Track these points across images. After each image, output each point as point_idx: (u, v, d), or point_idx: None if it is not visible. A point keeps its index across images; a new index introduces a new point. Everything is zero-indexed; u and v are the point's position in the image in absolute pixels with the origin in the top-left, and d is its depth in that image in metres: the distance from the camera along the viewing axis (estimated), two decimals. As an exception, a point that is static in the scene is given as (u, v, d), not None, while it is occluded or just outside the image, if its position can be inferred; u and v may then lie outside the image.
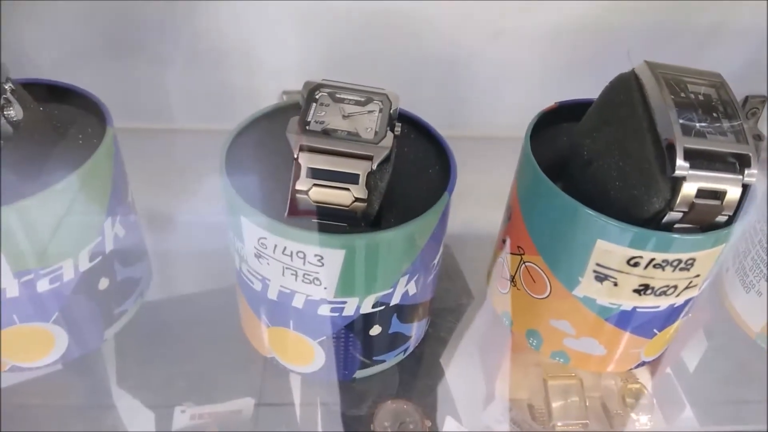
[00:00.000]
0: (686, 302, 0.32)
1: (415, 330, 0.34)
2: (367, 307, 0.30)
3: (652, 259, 0.29)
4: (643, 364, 0.36)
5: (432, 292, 0.34)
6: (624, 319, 0.32)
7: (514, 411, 0.49)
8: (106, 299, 0.35)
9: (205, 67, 0.49)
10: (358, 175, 0.27)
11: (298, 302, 0.29)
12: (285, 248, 0.28)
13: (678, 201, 0.27)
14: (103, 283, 0.34)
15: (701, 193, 0.28)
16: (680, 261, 0.29)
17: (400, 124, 0.30)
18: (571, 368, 0.37)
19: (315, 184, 0.27)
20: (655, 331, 0.33)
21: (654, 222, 0.28)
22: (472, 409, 0.48)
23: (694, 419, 0.49)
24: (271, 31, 0.48)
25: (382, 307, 0.30)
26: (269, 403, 0.47)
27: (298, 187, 0.27)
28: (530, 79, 0.53)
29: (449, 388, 0.49)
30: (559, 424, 0.47)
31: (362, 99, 0.30)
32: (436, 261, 0.32)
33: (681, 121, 0.28)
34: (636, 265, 0.29)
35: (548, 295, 0.33)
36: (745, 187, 0.28)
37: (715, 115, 0.29)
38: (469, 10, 0.47)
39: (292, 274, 0.29)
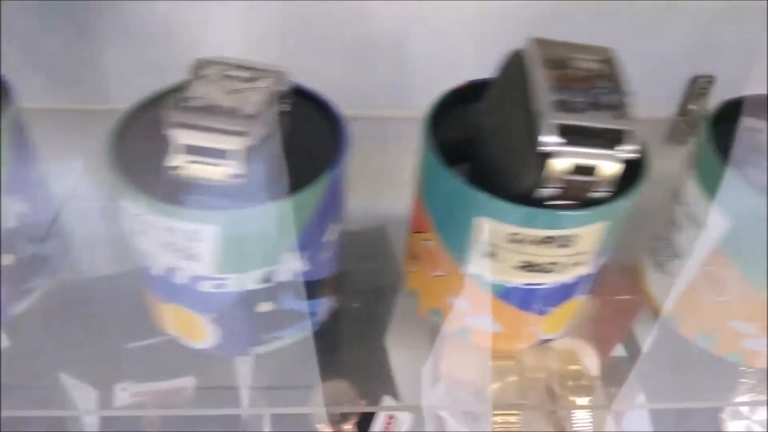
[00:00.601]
0: (578, 279, 0.32)
1: (315, 307, 0.34)
2: (251, 284, 0.30)
3: (533, 236, 0.29)
4: (546, 341, 0.36)
5: (332, 270, 0.34)
6: (514, 297, 0.32)
7: (456, 390, 0.50)
8: (11, 276, 0.35)
9: (141, 46, 0.49)
10: (229, 151, 0.27)
11: (181, 278, 0.30)
12: (162, 225, 0.28)
13: (547, 177, 0.28)
14: (7, 259, 0.35)
15: (577, 169, 0.28)
16: (562, 237, 0.29)
17: (289, 101, 0.30)
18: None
19: (190, 161, 0.28)
20: (547, 308, 0.33)
21: (534, 199, 0.29)
22: (409, 387, 0.49)
23: (642, 398, 0.50)
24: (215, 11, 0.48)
25: (269, 284, 0.31)
26: (210, 385, 0.48)
27: (170, 163, 0.27)
28: (466, 59, 0.52)
29: (384, 367, 0.50)
30: (496, 404, 0.48)
31: (251, 76, 0.30)
32: (328, 238, 0.32)
33: (555, 97, 0.28)
34: (518, 241, 0.30)
35: (445, 273, 0.34)
36: (634, 164, 0.28)
37: (597, 91, 0.29)
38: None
39: (172, 251, 0.29)
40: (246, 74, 0.30)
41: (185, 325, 0.33)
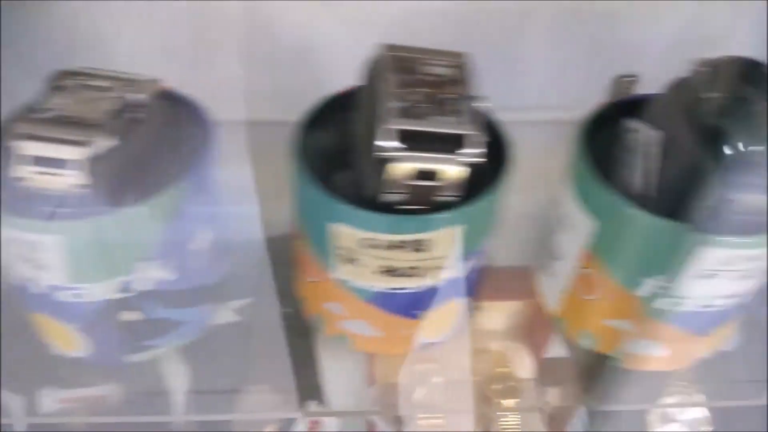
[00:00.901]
0: (448, 283, 0.32)
1: (191, 316, 0.35)
2: (109, 293, 0.30)
3: (385, 241, 0.29)
4: (430, 345, 0.36)
5: (206, 278, 0.34)
6: (383, 301, 0.32)
7: (388, 394, 0.50)
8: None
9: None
10: (70, 160, 0.27)
11: (37, 288, 0.30)
12: (8, 236, 0.28)
13: (389, 182, 0.28)
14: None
15: (420, 174, 0.28)
16: (414, 242, 0.29)
17: (147, 109, 0.30)
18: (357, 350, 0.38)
19: (34, 171, 0.28)
20: (419, 312, 0.33)
21: (383, 204, 0.29)
22: (338, 393, 0.49)
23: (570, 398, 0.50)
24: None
25: (129, 293, 0.31)
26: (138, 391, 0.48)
27: (14, 174, 0.28)
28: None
29: (310, 373, 0.50)
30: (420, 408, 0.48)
31: (110, 86, 0.30)
32: (197, 247, 0.32)
33: (397, 103, 0.28)
34: (372, 247, 0.30)
35: (318, 279, 0.34)
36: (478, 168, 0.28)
37: (444, 96, 0.29)
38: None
39: (22, 262, 0.29)
40: (106, 84, 0.30)
41: (55, 334, 0.33)
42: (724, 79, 0.29)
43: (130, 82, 0.31)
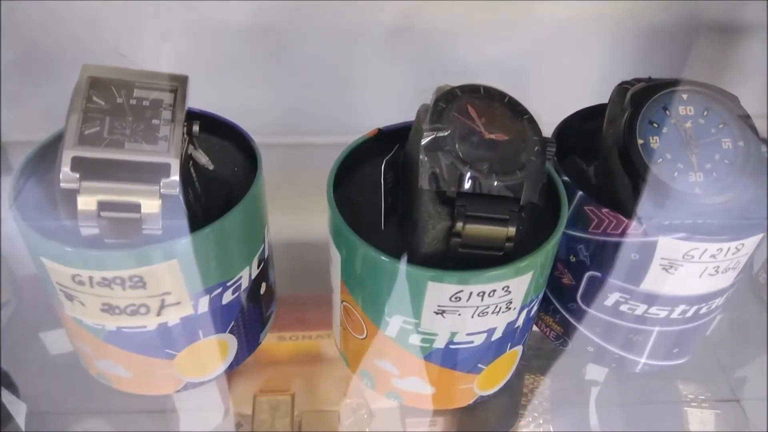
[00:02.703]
0: (190, 320, 0.30)
1: None
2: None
3: (96, 277, 0.27)
4: (196, 384, 0.34)
5: None
6: (124, 341, 0.29)
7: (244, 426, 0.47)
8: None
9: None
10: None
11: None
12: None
13: (81, 214, 0.25)
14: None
15: (114, 206, 0.26)
16: (130, 278, 0.27)
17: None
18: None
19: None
20: (173, 351, 0.31)
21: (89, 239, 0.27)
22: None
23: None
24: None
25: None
26: None
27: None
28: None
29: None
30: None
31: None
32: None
33: (88, 128, 0.26)
34: (83, 283, 0.28)
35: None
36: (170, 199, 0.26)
37: (150, 122, 0.27)
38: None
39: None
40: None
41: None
42: (441, 112, 0.27)
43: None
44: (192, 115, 0.29)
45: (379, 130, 0.34)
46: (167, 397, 0.38)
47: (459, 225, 0.26)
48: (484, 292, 0.27)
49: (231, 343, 0.33)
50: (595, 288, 0.32)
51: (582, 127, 0.34)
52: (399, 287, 0.27)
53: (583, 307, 0.33)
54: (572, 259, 0.32)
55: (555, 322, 0.35)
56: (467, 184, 0.26)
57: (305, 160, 0.53)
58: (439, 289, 0.26)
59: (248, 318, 0.33)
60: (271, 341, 0.43)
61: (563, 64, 0.50)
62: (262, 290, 0.34)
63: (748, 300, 0.45)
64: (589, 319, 0.33)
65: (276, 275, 0.38)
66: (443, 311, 0.27)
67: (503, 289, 0.27)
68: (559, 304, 0.35)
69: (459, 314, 0.27)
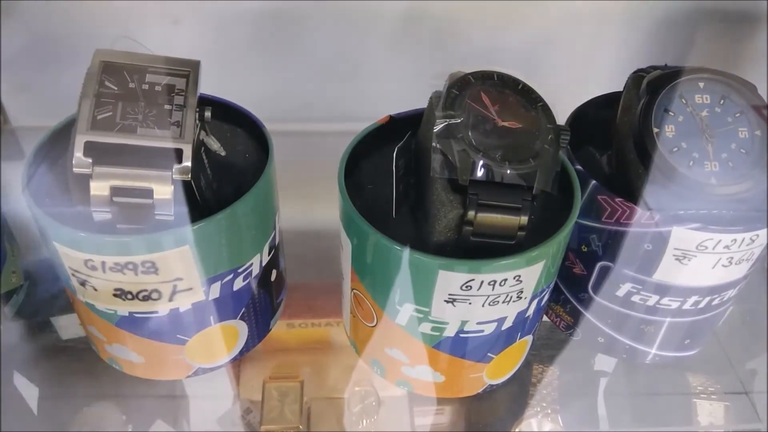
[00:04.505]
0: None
1: None
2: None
3: (109, 263, 0.27)
4: (204, 370, 0.34)
5: None
6: (137, 326, 0.29)
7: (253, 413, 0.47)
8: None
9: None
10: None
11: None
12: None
13: (93, 199, 0.25)
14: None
15: (127, 191, 0.26)
16: (143, 264, 0.27)
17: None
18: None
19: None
20: (185, 337, 0.31)
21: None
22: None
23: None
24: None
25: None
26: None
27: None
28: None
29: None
30: (264, 427, 0.45)
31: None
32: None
33: (101, 113, 0.26)
34: (95, 268, 0.28)
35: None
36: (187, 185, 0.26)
37: (162, 107, 0.27)
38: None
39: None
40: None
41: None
42: (454, 99, 0.27)
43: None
44: (204, 101, 0.29)
45: (391, 117, 0.33)
46: (177, 382, 0.38)
47: (471, 213, 0.26)
48: (495, 281, 0.27)
49: (242, 329, 0.33)
50: (606, 278, 0.32)
51: (596, 115, 0.34)
52: (410, 275, 0.27)
53: (595, 297, 0.33)
54: (584, 248, 0.32)
55: (565, 312, 0.35)
56: (480, 172, 0.26)
57: (316, 148, 0.53)
58: (450, 278, 0.26)
59: (259, 305, 0.33)
60: (281, 329, 0.43)
61: (577, 51, 0.49)
62: (273, 277, 0.34)
63: (761, 292, 0.45)
64: (600, 309, 0.33)
65: (286, 263, 0.38)
66: (454, 300, 0.27)
67: (514, 278, 0.27)
68: (570, 294, 0.34)
69: (470, 303, 0.27)
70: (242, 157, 0.33)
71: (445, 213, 0.27)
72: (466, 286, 0.27)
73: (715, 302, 0.32)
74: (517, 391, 0.43)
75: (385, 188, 0.31)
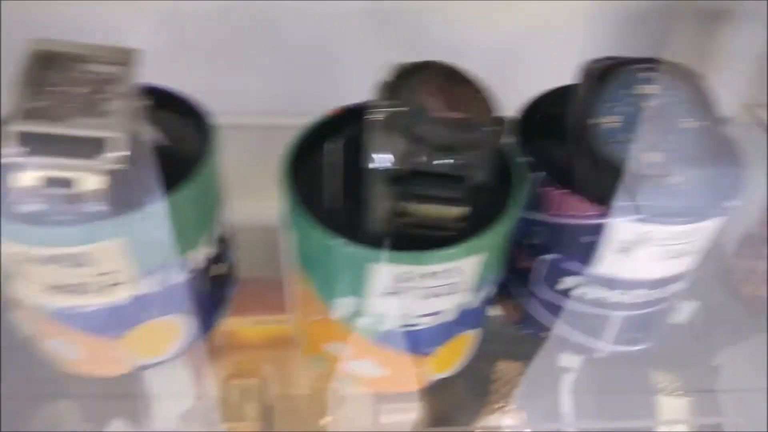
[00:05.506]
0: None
1: None
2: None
3: (38, 255, 0.27)
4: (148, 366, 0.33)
5: None
6: (70, 319, 0.29)
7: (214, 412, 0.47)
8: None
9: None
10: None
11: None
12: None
13: (17, 190, 0.25)
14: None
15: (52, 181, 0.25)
16: (71, 256, 0.26)
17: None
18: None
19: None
20: (121, 332, 0.30)
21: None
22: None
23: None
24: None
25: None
26: None
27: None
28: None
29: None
30: (224, 426, 0.45)
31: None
32: None
33: (31, 103, 0.25)
34: (29, 261, 0.27)
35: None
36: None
37: (97, 96, 0.26)
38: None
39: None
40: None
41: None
42: (393, 89, 0.26)
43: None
44: (148, 91, 0.29)
45: (343, 109, 0.33)
46: (135, 380, 0.38)
47: (407, 204, 0.26)
48: (433, 273, 0.27)
49: (183, 324, 0.32)
50: (553, 271, 0.31)
51: (552, 107, 0.34)
52: (346, 268, 0.27)
53: (542, 290, 0.33)
54: (531, 241, 0.32)
55: (515, 306, 0.35)
56: (416, 162, 0.26)
57: (279, 142, 0.53)
58: (387, 270, 0.26)
59: (202, 300, 0.33)
60: (242, 324, 0.43)
61: (549, 49, 0.49)
62: (218, 271, 0.33)
63: (720, 288, 0.45)
64: (548, 303, 0.33)
65: (242, 257, 0.38)
66: (392, 293, 0.27)
67: (453, 270, 0.27)
68: (519, 288, 0.34)
69: (408, 296, 0.27)
70: (189, 149, 0.32)
71: (381, 204, 0.26)
72: (403, 279, 0.26)
73: (663, 295, 0.31)
74: (477, 387, 0.43)
75: (334, 182, 0.31)
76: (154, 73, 0.31)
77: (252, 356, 0.44)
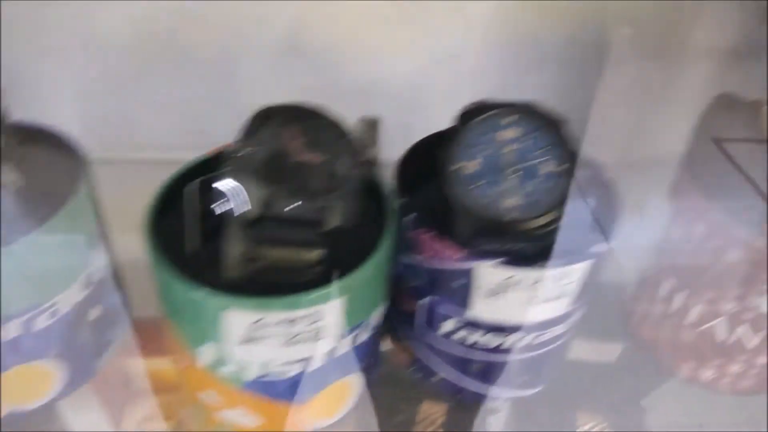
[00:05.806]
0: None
1: None
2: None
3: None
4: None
5: None
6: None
7: None
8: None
9: None
10: None
11: None
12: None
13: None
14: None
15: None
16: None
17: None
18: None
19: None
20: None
21: None
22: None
23: None
24: None
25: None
26: None
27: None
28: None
29: None
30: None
31: None
32: None
33: None
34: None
35: None
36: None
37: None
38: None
39: None
40: None
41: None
42: (252, 131, 0.26)
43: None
44: (12, 128, 0.28)
45: (218, 150, 0.32)
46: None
47: (259, 248, 0.26)
48: (290, 320, 0.26)
49: (57, 370, 0.31)
50: (432, 315, 0.31)
51: (432, 150, 0.33)
52: (202, 316, 0.26)
53: (425, 334, 0.32)
54: (411, 284, 0.31)
55: (405, 349, 0.34)
56: (270, 207, 0.25)
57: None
58: (240, 317, 0.25)
59: (76, 344, 0.32)
60: (163, 366, 0.41)
61: (459, 85, 0.49)
62: (94, 315, 0.32)
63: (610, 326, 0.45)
64: (431, 346, 0.32)
65: (136, 297, 0.37)
66: (249, 340, 0.26)
67: (313, 315, 0.26)
68: (404, 331, 0.34)
69: (266, 343, 0.26)
70: (63, 186, 0.30)
71: (236, 248, 0.26)
72: (258, 325, 0.26)
73: (543, 339, 0.31)
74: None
75: (194, 225, 0.30)
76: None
77: (170, 399, 0.43)
